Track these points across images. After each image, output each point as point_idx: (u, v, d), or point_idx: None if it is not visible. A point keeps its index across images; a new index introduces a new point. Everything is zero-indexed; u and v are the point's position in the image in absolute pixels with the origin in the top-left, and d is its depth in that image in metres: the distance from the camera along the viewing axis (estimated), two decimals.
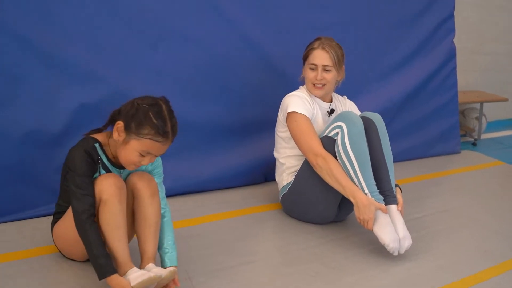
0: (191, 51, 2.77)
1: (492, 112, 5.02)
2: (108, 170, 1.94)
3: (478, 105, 4.66)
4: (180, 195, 2.77)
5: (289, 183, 2.58)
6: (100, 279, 1.79)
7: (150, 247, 1.91)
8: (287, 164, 2.62)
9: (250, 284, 2.04)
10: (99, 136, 1.93)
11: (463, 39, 4.36)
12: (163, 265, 1.93)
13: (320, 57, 2.52)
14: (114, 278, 1.78)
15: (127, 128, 1.83)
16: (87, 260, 2.03)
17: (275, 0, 3.03)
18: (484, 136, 4.74)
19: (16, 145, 2.29)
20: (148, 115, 1.81)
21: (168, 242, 1.97)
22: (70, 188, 1.85)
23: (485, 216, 2.87)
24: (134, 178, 1.94)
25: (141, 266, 1.89)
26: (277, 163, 2.69)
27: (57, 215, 2.03)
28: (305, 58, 2.59)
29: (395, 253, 2.26)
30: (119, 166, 1.96)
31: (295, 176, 2.54)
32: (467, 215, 2.87)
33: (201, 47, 2.80)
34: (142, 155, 1.85)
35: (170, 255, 1.95)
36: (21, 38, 2.29)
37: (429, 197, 3.08)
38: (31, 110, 2.32)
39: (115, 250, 1.83)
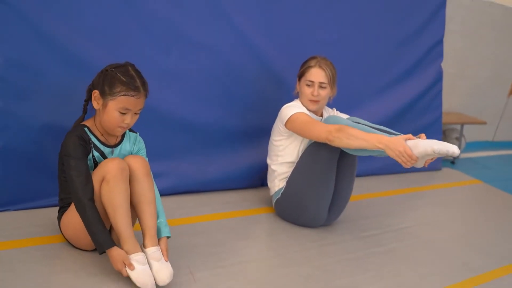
0: (202, 58, 2.78)
1: (471, 133, 5.10)
2: (99, 151, 2.00)
3: (458, 126, 4.73)
4: (184, 193, 2.79)
5: (281, 188, 2.61)
6: (100, 253, 1.83)
7: (151, 222, 1.94)
8: (278, 171, 2.64)
9: (247, 282, 2.05)
10: (86, 122, 2.02)
11: (448, 65, 4.41)
12: (158, 235, 1.97)
13: (317, 74, 2.57)
14: (113, 250, 1.81)
15: (102, 94, 1.94)
16: (95, 249, 2.03)
17: (283, 15, 3.06)
18: (463, 155, 4.81)
19: (34, 136, 2.29)
20: (117, 76, 1.92)
21: (163, 215, 2.03)
22: (67, 172, 1.89)
23: (464, 231, 2.92)
24: (129, 159, 1.99)
25: (144, 244, 1.91)
26: (269, 170, 2.72)
27: (62, 209, 2.04)
28: (302, 75, 2.63)
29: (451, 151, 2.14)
30: (109, 145, 2.03)
31: (287, 181, 2.57)
32: (447, 228, 2.91)
33: (211, 55, 2.81)
34: (122, 113, 1.93)
35: (164, 227, 2.00)
36: (45, 36, 2.28)
37: (411, 210, 3.12)
38: (49, 104, 2.31)
39: (119, 227, 1.85)
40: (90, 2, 2.40)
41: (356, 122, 2.42)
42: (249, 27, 2.92)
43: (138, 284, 1.81)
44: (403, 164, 2.22)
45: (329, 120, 2.44)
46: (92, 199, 1.85)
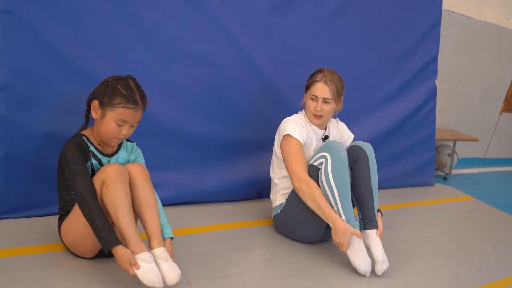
0: (202, 72, 2.84)
1: (463, 150, 5.17)
2: (97, 159, 2.05)
3: (451, 143, 4.80)
4: (182, 204, 2.82)
5: (282, 204, 2.63)
6: (105, 251, 1.84)
7: (156, 224, 1.98)
8: (281, 185, 2.67)
9: None
10: (84, 132, 2.08)
11: (441, 82, 4.51)
12: (162, 236, 2.01)
13: (321, 90, 2.56)
14: (119, 249, 1.83)
15: (101, 104, 1.99)
16: (95, 257, 2.07)
17: (281, 31, 3.13)
18: (454, 171, 4.88)
19: (36, 145, 2.32)
20: (117, 88, 1.97)
21: (164, 218, 2.07)
22: (68, 177, 1.92)
23: (456, 246, 2.97)
24: (128, 166, 2.03)
25: (151, 245, 1.94)
26: (272, 183, 2.74)
27: (62, 217, 2.08)
28: (307, 88, 2.62)
29: (367, 275, 2.35)
30: (106, 155, 2.08)
31: (286, 200, 2.59)
32: (439, 243, 2.96)
33: (211, 69, 2.87)
34: (119, 125, 1.99)
35: (167, 229, 2.05)
36: (49, 46, 2.33)
37: (404, 224, 3.17)
38: (52, 113, 2.35)
39: (122, 228, 1.87)
40: (94, 14, 2.46)
41: (346, 186, 2.40)
42: (249, 42, 2.99)
43: (145, 282, 1.82)
44: (336, 245, 2.39)
45: (328, 148, 2.45)
46: (96, 198, 1.89)
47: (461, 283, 2.49)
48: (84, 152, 1.99)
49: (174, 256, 2.18)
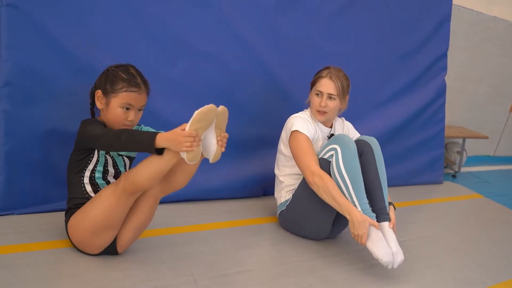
0: (207, 69, 2.83)
1: (472, 147, 5.14)
2: None
3: (460, 140, 4.77)
4: (186, 201, 2.82)
5: (287, 200, 2.63)
6: (154, 148, 1.82)
7: None
8: (285, 182, 2.66)
9: None
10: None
11: (451, 79, 4.48)
12: None
13: (327, 85, 2.58)
14: (160, 135, 1.82)
15: (104, 93, 2.02)
16: (101, 253, 2.07)
17: (288, 27, 3.11)
18: (464, 169, 4.85)
19: (41, 142, 2.33)
20: (118, 74, 2.01)
21: None
22: (97, 143, 1.92)
23: (465, 245, 2.95)
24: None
25: None
26: (276, 180, 2.74)
27: (70, 211, 2.06)
28: (313, 84, 2.64)
29: (389, 267, 2.29)
30: None
31: (293, 195, 2.58)
32: (447, 242, 2.95)
33: (217, 66, 2.86)
34: (126, 108, 2.00)
35: None
36: (54, 41, 2.33)
37: (412, 223, 3.15)
38: (56, 109, 2.35)
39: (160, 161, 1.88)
40: (99, 11, 2.45)
41: (357, 178, 2.39)
42: (255, 40, 2.97)
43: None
44: (354, 238, 2.35)
45: (337, 140, 2.44)
46: None
47: (470, 283, 2.47)
48: (103, 124, 2.03)
49: (179, 254, 2.21)
